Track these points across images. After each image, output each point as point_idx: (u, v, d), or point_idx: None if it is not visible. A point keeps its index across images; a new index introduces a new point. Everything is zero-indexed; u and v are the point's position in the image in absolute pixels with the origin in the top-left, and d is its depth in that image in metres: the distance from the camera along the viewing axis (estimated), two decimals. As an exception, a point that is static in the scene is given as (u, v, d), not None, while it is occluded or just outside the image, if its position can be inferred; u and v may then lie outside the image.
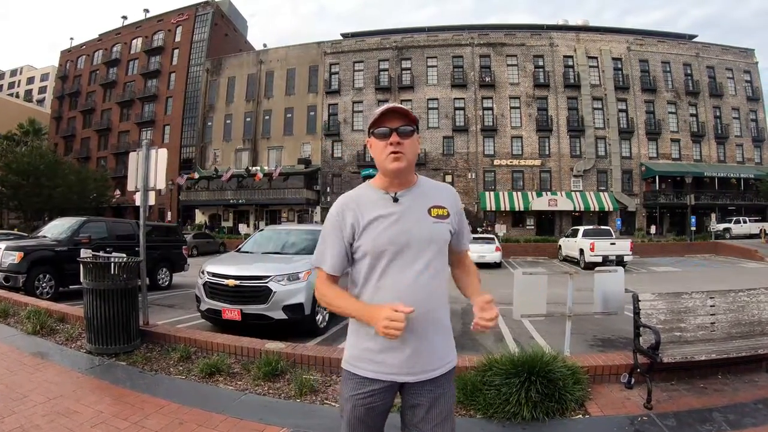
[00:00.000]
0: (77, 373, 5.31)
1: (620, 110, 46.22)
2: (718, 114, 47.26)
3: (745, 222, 38.93)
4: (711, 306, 5.08)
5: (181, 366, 5.54)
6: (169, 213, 49.20)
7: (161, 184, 6.65)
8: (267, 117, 52.21)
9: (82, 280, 5.99)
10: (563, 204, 42.89)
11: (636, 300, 4.82)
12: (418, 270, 2.02)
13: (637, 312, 4.80)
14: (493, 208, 43.66)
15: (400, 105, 2.07)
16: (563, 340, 6.13)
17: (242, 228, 41.22)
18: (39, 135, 58.27)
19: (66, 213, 47.42)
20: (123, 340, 5.94)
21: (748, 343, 4.95)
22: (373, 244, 2.03)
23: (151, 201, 6.78)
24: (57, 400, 4.48)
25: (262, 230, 11.28)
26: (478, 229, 37.19)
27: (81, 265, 6.08)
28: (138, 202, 6.73)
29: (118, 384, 5.04)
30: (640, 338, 4.78)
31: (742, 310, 5.18)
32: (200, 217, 51.48)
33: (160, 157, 6.64)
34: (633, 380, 4.88)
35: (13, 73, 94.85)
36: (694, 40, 50.63)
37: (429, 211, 2.08)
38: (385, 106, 2.05)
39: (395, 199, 2.08)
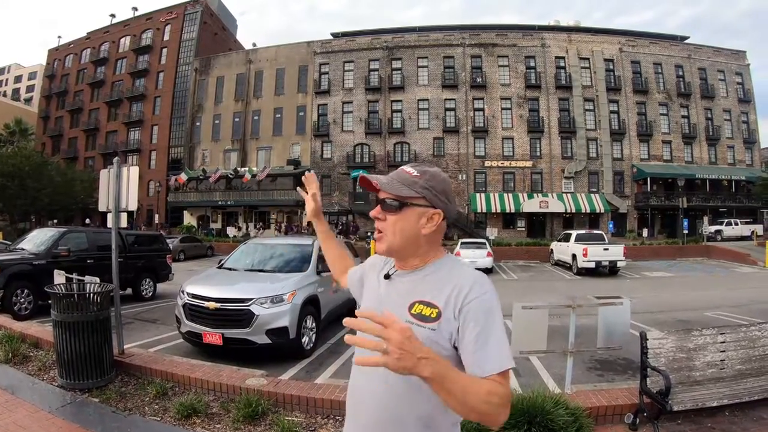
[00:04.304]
0: (47, 414, 4.94)
1: (612, 111, 46.11)
2: (709, 116, 47.23)
3: (736, 224, 38.91)
4: (721, 342, 4.80)
5: (156, 404, 5.19)
6: (157, 215, 48.78)
7: (133, 205, 6.27)
8: (256, 117, 51.74)
9: (51, 311, 5.62)
10: (554, 206, 42.67)
11: (644, 339, 4.52)
12: (375, 379, 1.55)
13: (644, 352, 4.51)
14: (484, 210, 43.43)
15: (371, 177, 1.63)
16: (561, 362, 5.85)
17: (230, 231, 40.75)
18: (26, 135, 57.47)
19: (53, 215, 47.18)
20: (96, 375, 5.58)
21: (761, 382, 4.69)
22: None
23: (123, 223, 6.41)
24: (23, 449, 4.15)
25: (246, 242, 10.93)
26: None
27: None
28: (110, 223, 6.35)
29: (88, 428, 4.68)
30: (648, 379, 4.49)
31: (753, 345, 4.91)
32: (189, 218, 50.95)
33: (132, 176, 6.25)
34: (638, 420, 4.59)
35: (0, 71, 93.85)
36: (686, 41, 50.68)
37: (411, 306, 1.56)
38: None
39: (386, 276, 1.70)
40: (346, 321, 1.26)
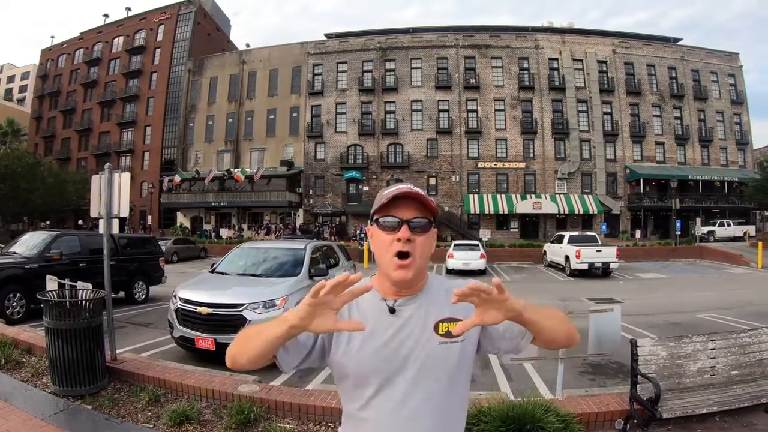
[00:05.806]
0: (40, 421, 4.92)
1: (605, 113, 46.25)
2: (702, 117, 47.49)
3: (729, 225, 39.14)
4: (712, 349, 4.83)
5: (149, 411, 5.18)
6: (150, 216, 48.58)
7: (125, 212, 6.26)
8: (249, 118, 51.57)
9: (43, 318, 5.60)
10: (547, 207, 42.76)
11: (634, 346, 4.54)
12: (415, 406, 1.50)
13: (635, 359, 4.53)
14: (477, 211, 43.48)
15: (416, 189, 1.54)
16: (553, 365, 5.90)
17: (224, 232, 40.55)
18: (18, 136, 57.01)
19: (46, 216, 46.94)
20: (88, 381, 5.56)
21: (750, 389, 4.72)
22: (356, 367, 1.53)
23: (114, 230, 6.41)
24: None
25: (240, 246, 10.91)
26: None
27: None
28: (101, 229, 6.34)
29: (81, 436, 4.69)
30: (638, 386, 4.51)
31: (743, 351, 4.94)
32: (182, 219, 50.80)
33: (124, 182, 6.25)
34: (628, 426, 4.61)
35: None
36: (679, 43, 50.83)
37: (435, 327, 1.53)
38: (396, 188, 1.54)
39: (392, 310, 1.56)
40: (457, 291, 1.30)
